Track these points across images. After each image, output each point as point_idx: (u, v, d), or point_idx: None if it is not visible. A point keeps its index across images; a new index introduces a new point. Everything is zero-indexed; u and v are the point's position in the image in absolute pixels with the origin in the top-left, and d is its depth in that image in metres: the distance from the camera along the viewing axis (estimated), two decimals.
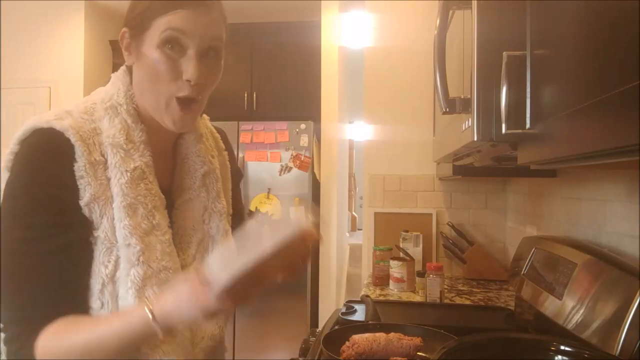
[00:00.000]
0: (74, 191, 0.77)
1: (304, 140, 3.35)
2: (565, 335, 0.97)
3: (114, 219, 0.78)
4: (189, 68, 0.79)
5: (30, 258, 0.75)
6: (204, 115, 1.02)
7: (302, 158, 3.35)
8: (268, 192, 3.37)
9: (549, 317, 1.09)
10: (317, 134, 3.45)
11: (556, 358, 0.80)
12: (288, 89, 3.63)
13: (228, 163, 1.02)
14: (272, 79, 3.67)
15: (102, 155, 0.80)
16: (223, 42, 0.84)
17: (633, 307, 0.82)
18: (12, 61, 3.76)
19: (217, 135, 1.03)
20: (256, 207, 3.36)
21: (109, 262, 0.78)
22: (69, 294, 0.77)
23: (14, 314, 0.76)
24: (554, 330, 1.05)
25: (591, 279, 0.99)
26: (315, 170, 3.43)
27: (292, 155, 3.36)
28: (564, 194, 1.48)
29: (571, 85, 0.57)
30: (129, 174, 0.80)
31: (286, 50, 3.65)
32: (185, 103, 0.81)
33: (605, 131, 0.47)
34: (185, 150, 0.93)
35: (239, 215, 1.03)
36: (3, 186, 0.78)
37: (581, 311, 0.97)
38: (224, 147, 1.03)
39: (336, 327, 1.29)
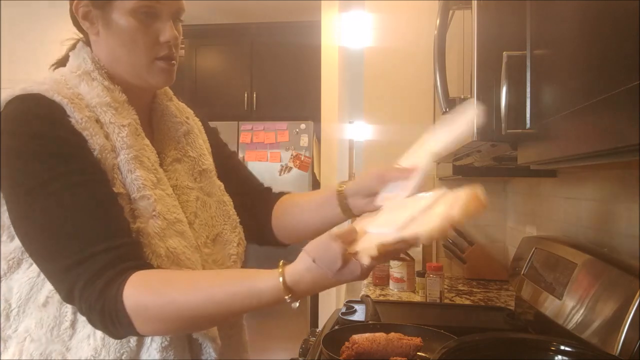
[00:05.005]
0: (83, 144, 0.74)
1: (304, 140, 3.35)
2: (565, 335, 0.97)
3: (121, 171, 0.77)
4: (166, 30, 0.82)
5: (86, 191, 0.72)
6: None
7: (302, 158, 3.35)
8: None
9: (549, 317, 1.09)
10: (317, 134, 3.45)
11: (556, 358, 0.80)
12: (288, 89, 3.63)
13: (200, 123, 1.01)
14: (272, 79, 3.67)
15: (93, 114, 0.78)
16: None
17: (633, 307, 0.82)
18: (12, 61, 3.76)
19: (182, 103, 1.02)
20: None
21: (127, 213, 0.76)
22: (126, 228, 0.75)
23: (81, 255, 0.69)
24: (554, 330, 1.05)
25: (591, 279, 0.99)
26: (315, 170, 3.43)
27: (292, 155, 3.36)
28: (564, 194, 1.48)
29: (571, 85, 0.57)
30: (126, 128, 0.79)
31: (286, 50, 3.65)
32: (166, 60, 0.84)
33: (605, 131, 0.47)
34: (160, 113, 0.93)
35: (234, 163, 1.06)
36: None
37: (581, 311, 0.97)
38: (191, 111, 1.01)
39: (336, 327, 1.29)
